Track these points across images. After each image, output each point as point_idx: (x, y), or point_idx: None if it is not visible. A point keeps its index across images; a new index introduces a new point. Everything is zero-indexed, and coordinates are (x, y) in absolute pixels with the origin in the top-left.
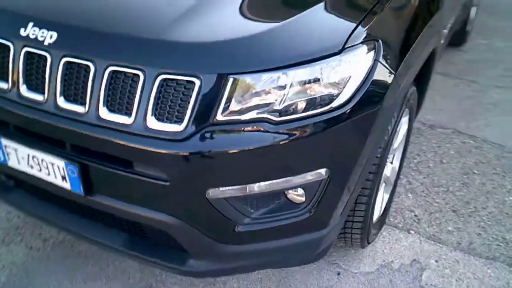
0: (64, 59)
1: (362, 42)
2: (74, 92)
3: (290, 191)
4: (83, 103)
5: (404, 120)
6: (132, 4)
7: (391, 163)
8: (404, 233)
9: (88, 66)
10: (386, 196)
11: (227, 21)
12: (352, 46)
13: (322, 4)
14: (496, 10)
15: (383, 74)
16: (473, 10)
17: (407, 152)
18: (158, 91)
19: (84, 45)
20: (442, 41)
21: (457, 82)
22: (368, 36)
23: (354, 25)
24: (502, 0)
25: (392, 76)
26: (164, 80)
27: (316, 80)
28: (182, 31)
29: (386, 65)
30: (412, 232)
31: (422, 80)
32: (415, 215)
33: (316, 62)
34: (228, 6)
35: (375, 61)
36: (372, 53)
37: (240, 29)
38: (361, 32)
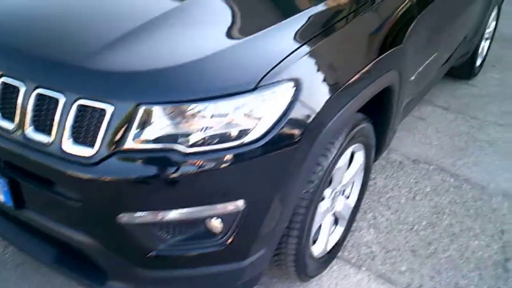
0: None
1: (280, 80)
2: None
3: (206, 220)
4: (11, 120)
5: (358, 156)
6: (71, 28)
7: (347, 197)
8: (355, 269)
9: (17, 88)
10: (340, 230)
11: (152, 50)
12: (270, 83)
13: (248, 38)
14: None
15: (302, 112)
16: (484, 43)
17: (367, 186)
18: (76, 115)
19: (15, 66)
20: (411, 78)
21: (456, 116)
22: (289, 74)
23: (276, 62)
24: None
25: (314, 115)
26: (81, 105)
27: (228, 115)
28: (105, 58)
29: (308, 103)
30: (364, 269)
31: (381, 118)
32: (371, 252)
33: (229, 98)
34: (161, 34)
35: (294, 99)
36: (291, 91)
37: (161, 59)
38: (281, 70)
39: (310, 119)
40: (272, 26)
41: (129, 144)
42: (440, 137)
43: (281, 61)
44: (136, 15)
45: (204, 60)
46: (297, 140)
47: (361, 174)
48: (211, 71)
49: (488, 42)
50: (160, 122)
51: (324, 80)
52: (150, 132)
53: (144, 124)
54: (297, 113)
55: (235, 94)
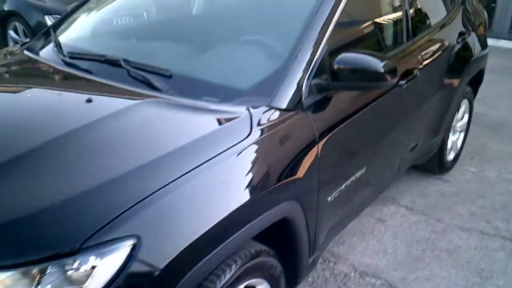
0: None
1: (113, 239)
2: None
3: None
4: None
5: None
6: None
7: None
8: None
9: None
10: None
11: None
12: (98, 244)
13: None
14: (505, 131)
15: (142, 271)
16: (456, 136)
17: None
18: None
19: None
20: (328, 199)
21: (419, 218)
22: (125, 231)
23: (110, 218)
24: None
25: (158, 272)
26: None
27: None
28: None
29: (149, 261)
30: None
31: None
32: None
33: (48, 262)
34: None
35: (130, 258)
36: (126, 250)
37: None
38: (115, 226)
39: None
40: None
41: None
42: (396, 244)
43: (119, 215)
44: None
45: (29, 217)
46: None
47: None
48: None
49: (462, 134)
50: None
51: (178, 228)
52: None
53: None
54: (137, 271)
55: (55, 257)
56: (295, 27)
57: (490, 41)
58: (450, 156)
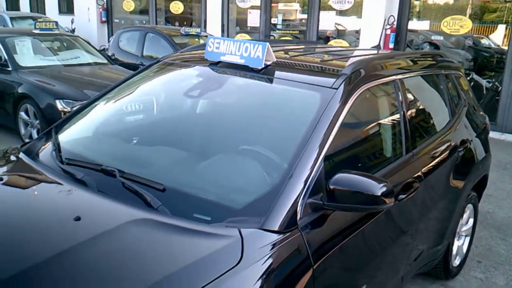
0: None
1: None
2: None
3: None
4: None
5: None
6: None
7: None
8: None
9: None
10: None
11: None
12: None
13: None
14: None
15: None
16: (461, 241)
17: None
18: None
19: None
20: None
21: None
22: None
23: None
24: None
25: None
26: None
27: None
28: None
29: None
30: None
31: None
32: None
33: None
34: None
35: None
36: None
37: None
38: None
39: None
40: None
41: None
42: None
43: None
44: None
45: None
46: None
47: None
48: None
49: (468, 238)
50: None
51: None
52: None
53: None
54: None
55: None
56: (292, 142)
57: (495, 135)
58: (456, 262)
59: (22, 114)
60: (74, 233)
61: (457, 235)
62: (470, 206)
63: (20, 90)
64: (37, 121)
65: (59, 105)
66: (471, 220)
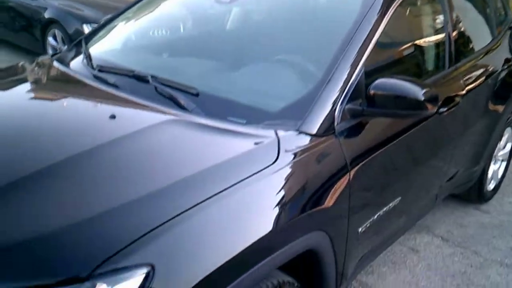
0: None
1: (128, 266)
2: None
3: None
4: None
5: None
6: None
7: None
8: None
9: None
10: None
11: None
12: (110, 270)
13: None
14: None
15: None
16: (497, 166)
17: None
18: None
19: None
20: (359, 229)
21: (455, 251)
22: (138, 259)
23: (124, 243)
24: None
25: None
26: None
27: None
28: None
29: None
30: None
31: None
32: None
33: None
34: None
35: None
36: (139, 278)
37: None
38: (129, 253)
39: None
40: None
41: None
42: (430, 277)
43: (133, 242)
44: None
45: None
46: None
47: None
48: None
49: (504, 163)
50: None
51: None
52: None
53: None
54: None
55: (64, 284)
56: (331, 47)
57: None
58: (491, 186)
59: (50, 39)
60: (110, 130)
61: (494, 159)
62: (509, 130)
63: (47, 15)
64: (65, 46)
65: (87, 29)
66: (509, 145)
